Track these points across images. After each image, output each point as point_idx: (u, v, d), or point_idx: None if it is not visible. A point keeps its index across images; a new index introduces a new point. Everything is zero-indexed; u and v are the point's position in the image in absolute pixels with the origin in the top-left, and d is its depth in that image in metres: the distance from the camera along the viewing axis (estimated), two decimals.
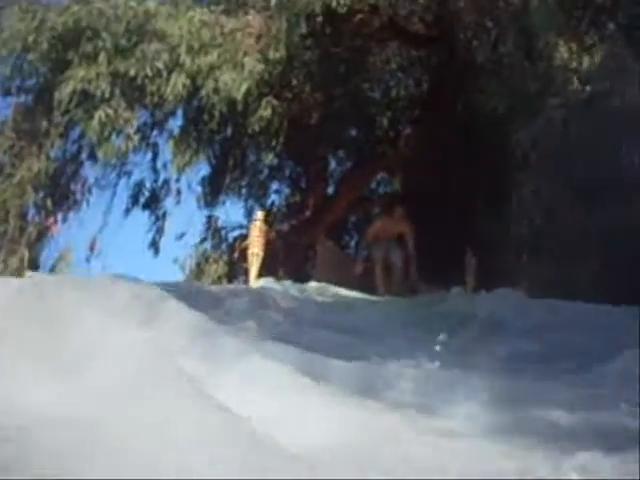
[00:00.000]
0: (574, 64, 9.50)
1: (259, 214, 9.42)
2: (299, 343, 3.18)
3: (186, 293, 5.06)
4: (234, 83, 9.16)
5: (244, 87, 9.29)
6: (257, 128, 10.02)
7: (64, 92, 9.24)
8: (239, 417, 1.47)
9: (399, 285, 10.60)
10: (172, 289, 4.92)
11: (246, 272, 9.00)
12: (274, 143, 10.88)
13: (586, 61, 9.55)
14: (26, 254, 10.09)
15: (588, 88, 9.39)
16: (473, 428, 1.70)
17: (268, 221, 9.58)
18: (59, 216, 10.67)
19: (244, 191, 12.12)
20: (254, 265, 8.72)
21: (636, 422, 1.66)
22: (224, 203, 11.54)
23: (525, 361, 3.19)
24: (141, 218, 10.93)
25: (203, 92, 9.19)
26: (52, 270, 10.50)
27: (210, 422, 1.47)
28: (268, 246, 9.01)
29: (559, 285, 7.78)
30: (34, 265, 10.07)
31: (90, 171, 10.51)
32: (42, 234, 10.49)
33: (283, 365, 2.09)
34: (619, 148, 8.68)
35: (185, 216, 11.21)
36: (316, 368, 2.22)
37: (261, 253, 8.77)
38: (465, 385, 2.10)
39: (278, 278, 9.45)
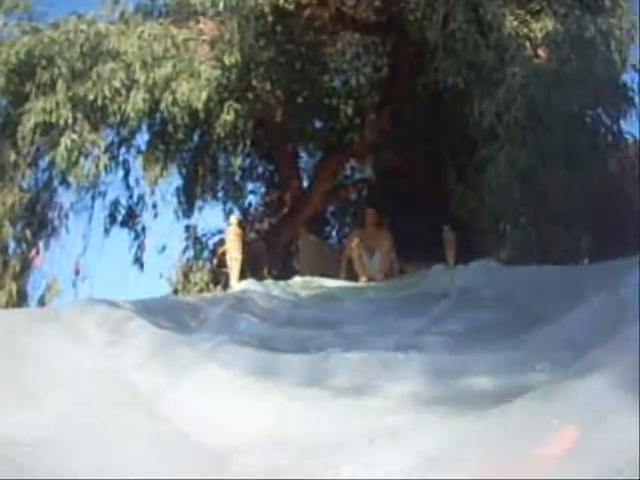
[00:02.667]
0: (524, 31, 9.62)
1: (232, 218, 9.55)
2: (263, 343, 3.34)
3: (164, 307, 5.21)
4: (192, 92, 9.26)
5: (204, 95, 9.39)
6: (223, 133, 10.14)
7: (27, 125, 9.31)
8: (176, 428, 1.63)
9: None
10: (151, 305, 5.08)
11: (228, 277, 9.13)
12: (242, 145, 11.01)
13: (536, 27, 9.68)
14: (14, 287, 10.16)
15: (541, 53, 9.52)
16: (401, 405, 1.85)
17: (242, 224, 9.71)
18: (41, 245, 10.74)
19: (220, 195, 12.25)
20: (234, 269, 8.85)
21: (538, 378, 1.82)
22: (201, 210, 11.63)
23: (477, 331, 3.36)
24: (122, 236, 11.02)
25: (163, 105, 9.27)
26: (41, 300, 10.58)
27: (151, 436, 1.62)
28: (245, 248, 9.14)
29: (538, 250, 7.92)
30: (23, 297, 10.15)
31: (64, 196, 10.57)
32: (26, 265, 10.55)
33: (231, 369, 2.24)
34: (583, 108, 8.77)
35: (165, 228, 11.28)
36: (265, 366, 2.37)
37: (239, 256, 8.89)
38: (404, 365, 2.26)
39: (263, 278, 9.60)
